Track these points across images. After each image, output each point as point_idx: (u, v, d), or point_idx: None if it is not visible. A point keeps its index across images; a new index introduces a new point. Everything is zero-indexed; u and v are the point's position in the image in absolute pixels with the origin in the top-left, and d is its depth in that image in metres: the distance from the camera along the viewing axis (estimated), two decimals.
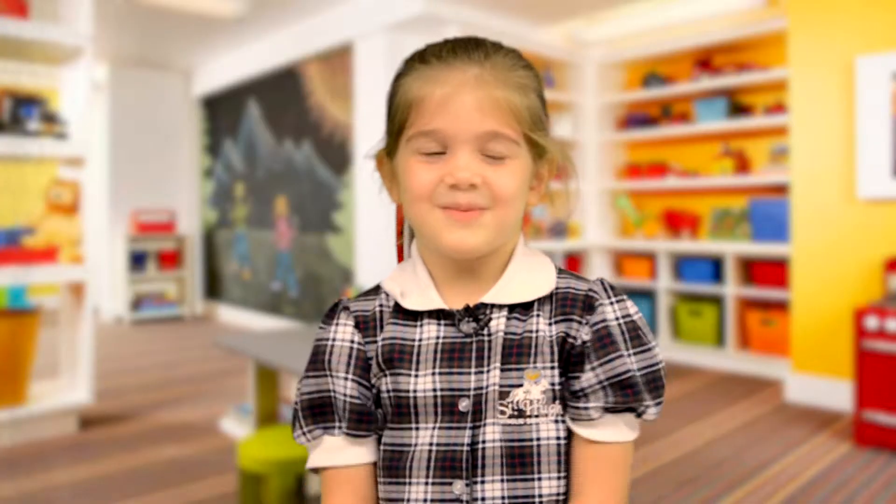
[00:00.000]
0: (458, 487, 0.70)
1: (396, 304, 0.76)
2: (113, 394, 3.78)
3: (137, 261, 6.39)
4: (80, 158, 3.17)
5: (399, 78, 0.75)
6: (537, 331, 0.73)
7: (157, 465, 2.73)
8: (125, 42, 5.73)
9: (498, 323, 0.73)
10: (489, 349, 0.72)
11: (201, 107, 7.00)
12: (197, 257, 6.98)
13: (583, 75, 5.00)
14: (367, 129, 4.60)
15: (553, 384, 0.72)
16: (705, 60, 4.53)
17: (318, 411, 0.74)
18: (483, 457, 0.70)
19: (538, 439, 0.71)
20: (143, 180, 6.65)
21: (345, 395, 0.73)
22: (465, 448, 0.70)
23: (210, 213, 6.91)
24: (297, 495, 2.07)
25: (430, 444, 0.71)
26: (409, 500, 0.71)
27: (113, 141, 6.45)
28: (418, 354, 0.73)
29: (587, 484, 0.71)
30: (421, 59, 0.73)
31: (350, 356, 0.75)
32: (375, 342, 0.76)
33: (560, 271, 0.78)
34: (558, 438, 0.72)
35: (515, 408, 0.71)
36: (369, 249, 4.61)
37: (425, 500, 0.70)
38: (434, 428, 0.72)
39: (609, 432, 0.71)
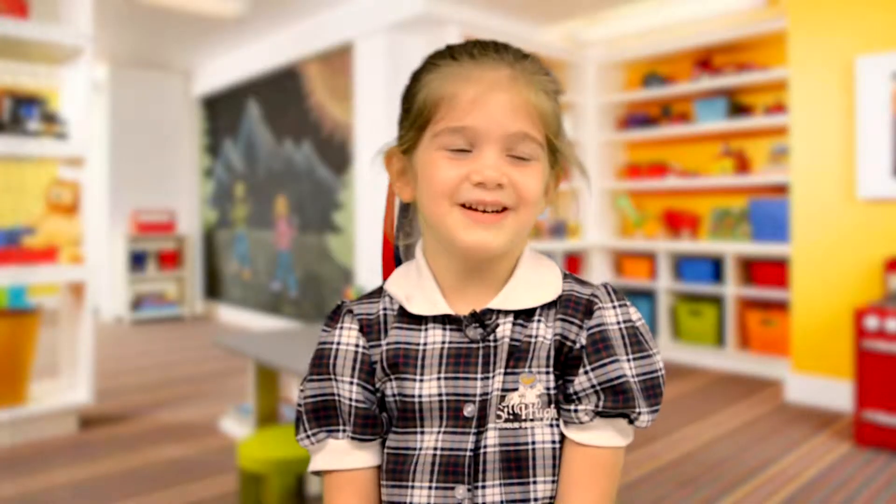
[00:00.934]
0: (461, 492, 0.70)
1: (401, 308, 0.76)
2: (113, 394, 3.78)
3: (137, 261, 6.39)
4: (80, 158, 3.17)
5: (423, 74, 0.74)
6: (536, 335, 0.73)
7: (157, 465, 2.73)
8: (125, 42, 5.73)
9: (504, 329, 0.73)
10: (495, 355, 0.72)
11: (201, 107, 7.00)
12: (197, 257, 6.98)
13: (583, 75, 5.01)
14: (367, 129, 4.59)
15: (549, 388, 0.72)
16: (705, 60, 4.53)
17: (322, 414, 0.74)
18: (484, 461, 0.70)
19: (533, 443, 0.71)
20: (143, 180, 6.65)
21: (350, 399, 0.73)
22: (469, 453, 0.71)
23: (210, 213, 6.91)
24: (297, 495, 2.07)
25: (435, 449, 0.71)
26: None
27: (113, 141, 6.45)
28: (423, 359, 0.73)
29: (574, 487, 0.70)
30: (450, 56, 0.73)
31: (355, 360, 0.75)
32: (380, 346, 0.75)
33: (565, 276, 0.78)
34: (553, 442, 0.72)
35: (511, 412, 0.71)
36: (369, 249, 4.61)
37: None
38: (439, 432, 0.72)
39: (599, 436, 0.71)
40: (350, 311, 0.78)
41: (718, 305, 4.32)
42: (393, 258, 0.86)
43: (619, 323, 0.73)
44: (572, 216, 0.82)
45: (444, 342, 0.73)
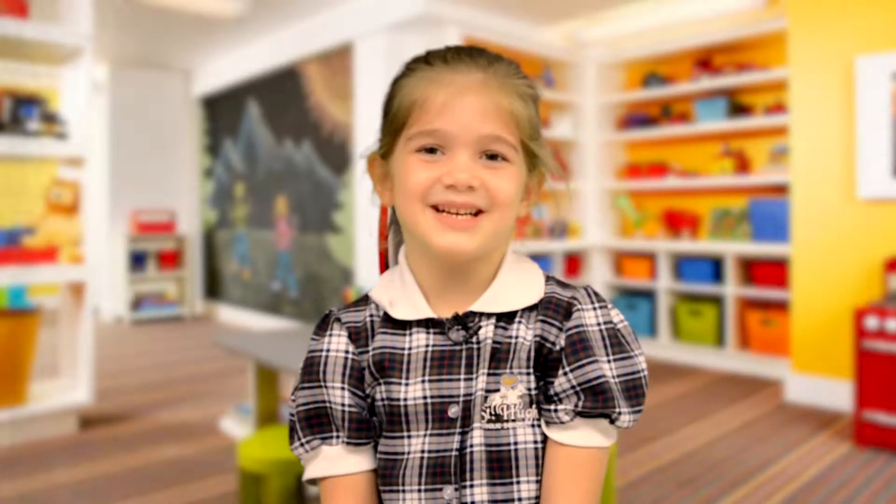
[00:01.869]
0: (448, 492, 0.71)
1: (386, 314, 0.76)
2: (113, 394, 3.78)
3: (137, 261, 6.39)
4: (80, 158, 3.17)
5: (399, 79, 0.75)
6: (517, 337, 0.73)
7: (157, 465, 2.73)
8: (125, 42, 5.73)
9: (486, 331, 0.73)
10: (478, 356, 0.73)
11: (201, 107, 7.00)
12: (197, 257, 6.98)
13: (583, 75, 5.00)
14: (367, 129, 4.60)
15: (530, 389, 0.72)
16: (705, 60, 4.53)
17: (314, 422, 0.75)
18: (471, 461, 0.71)
19: (516, 443, 0.72)
20: (143, 180, 6.65)
21: (343, 404, 0.74)
22: (454, 453, 0.71)
23: (210, 213, 6.91)
24: (297, 495, 2.07)
25: (422, 452, 0.72)
26: None
27: (113, 141, 6.45)
28: (408, 363, 0.74)
29: (557, 487, 0.71)
30: (424, 61, 0.74)
31: (345, 366, 0.75)
32: (367, 352, 0.76)
33: (548, 278, 0.78)
34: (535, 443, 0.72)
35: (493, 413, 0.72)
36: (369, 249, 4.61)
37: None
38: (425, 435, 0.72)
39: (580, 436, 0.71)
40: (338, 320, 0.78)
41: (718, 305, 4.32)
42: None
43: (599, 324, 0.73)
44: (555, 216, 0.82)
45: (427, 345, 0.74)
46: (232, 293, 6.54)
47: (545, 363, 0.73)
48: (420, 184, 0.70)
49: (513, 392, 0.72)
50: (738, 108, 4.42)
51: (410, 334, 0.75)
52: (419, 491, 0.72)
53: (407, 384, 0.73)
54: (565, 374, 0.71)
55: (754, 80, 4.14)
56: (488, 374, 0.72)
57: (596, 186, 4.97)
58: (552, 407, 0.72)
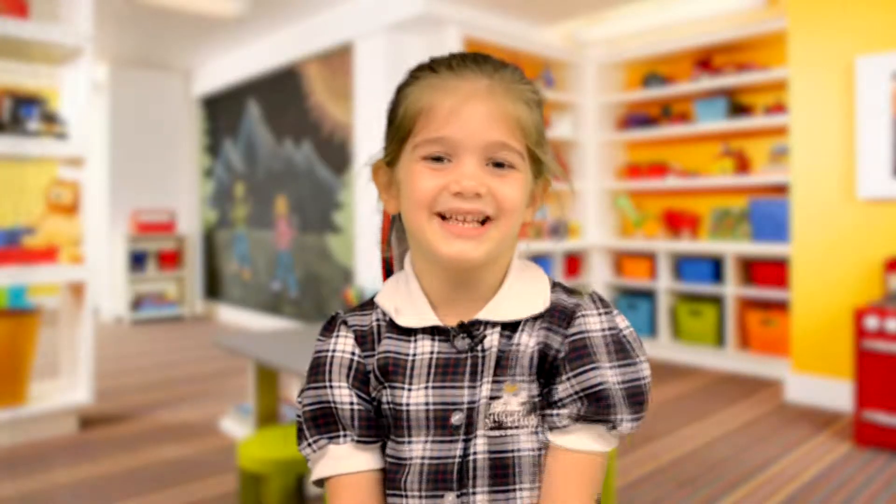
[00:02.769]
0: (450, 500, 0.71)
1: (392, 319, 0.76)
2: (113, 394, 3.78)
3: (137, 261, 6.39)
4: (80, 158, 3.17)
5: (404, 87, 0.75)
6: (519, 343, 0.73)
7: (157, 465, 2.73)
8: (125, 42, 5.73)
9: (492, 339, 0.73)
10: (483, 364, 0.73)
11: (201, 107, 7.00)
12: (197, 257, 6.98)
13: (583, 75, 5.00)
14: (367, 130, 4.60)
15: (532, 396, 0.72)
16: (705, 60, 4.53)
17: (321, 422, 0.75)
18: (474, 468, 0.71)
19: (518, 450, 0.72)
20: (143, 180, 6.65)
21: (351, 403, 0.74)
22: (457, 460, 0.71)
23: (210, 213, 6.91)
24: (297, 495, 2.07)
25: (423, 458, 0.72)
26: None
27: (113, 141, 6.45)
28: (412, 369, 0.74)
29: (554, 490, 0.71)
30: (429, 68, 0.73)
31: (350, 367, 0.76)
32: (373, 356, 0.76)
33: (554, 285, 0.78)
34: (536, 450, 0.72)
35: (495, 419, 0.72)
36: (369, 249, 4.61)
37: None
38: (426, 441, 0.72)
39: (579, 440, 0.71)
40: (345, 322, 0.78)
41: (718, 305, 4.32)
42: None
43: (603, 330, 0.73)
44: (559, 216, 0.82)
45: (432, 352, 0.74)
46: (232, 293, 6.54)
47: (549, 370, 0.73)
48: (427, 191, 0.70)
49: (515, 399, 0.72)
50: (738, 108, 4.42)
51: (416, 340, 0.75)
52: (419, 497, 0.72)
53: (410, 389, 0.73)
54: (567, 380, 0.71)
55: (754, 80, 4.14)
56: (493, 382, 0.72)
57: (596, 186, 4.97)
58: (553, 411, 0.72)
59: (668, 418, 3.24)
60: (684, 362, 4.41)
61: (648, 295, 4.80)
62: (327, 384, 0.75)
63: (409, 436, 0.73)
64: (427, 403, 0.72)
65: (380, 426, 0.75)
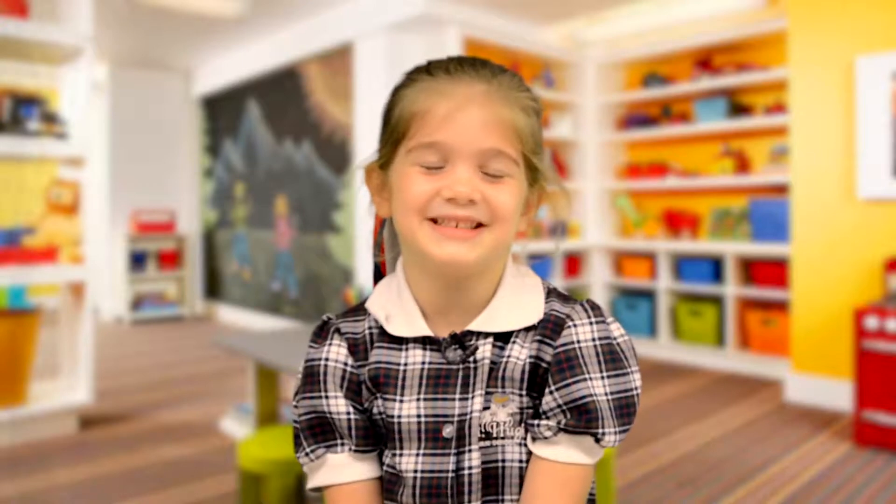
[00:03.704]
0: None
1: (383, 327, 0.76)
2: (113, 394, 3.78)
3: (137, 261, 6.39)
4: (80, 158, 3.17)
5: (400, 89, 0.74)
6: (509, 355, 0.72)
7: (157, 465, 2.73)
8: (125, 42, 5.73)
9: (484, 350, 0.72)
10: (474, 376, 0.72)
11: (201, 107, 7.00)
12: (197, 257, 6.98)
13: (583, 75, 5.00)
14: (367, 130, 4.60)
15: (521, 408, 0.72)
16: (705, 60, 4.53)
17: (318, 431, 0.74)
18: (470, 482, 0.70)
19: (503, 461, 0.71)
20: (143, 180, 6.65)
21: (347, 412, 0.73)
22: (451, 474, 0.70)
23: (210, 213, 6.91)
24: (297, 495, 2.07)
25: (415, 472, 0.71)
26: None
27: (113, 141, 6.45)
28: (404, 380, 0.73)
29: (534, 501, 0.70)
30: (426, 71, 0.72)
31: (343, 378, 0.75)
32: (365, 366, 0.75)
33: (549, 292, 0.77)
34: (521, 461, 0.72)
35: (483, 430, 0.71)
36: (369, 250, 4.61)
37: None
38: (418, 454, 0.72)
39: (562, 452, 0.70)
40: (338, 330, 0.77)
41: (718, 305, 4.32)
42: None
43: (594, 339, 0.71)
44: (562, 215, 0.81)
45: (423, 363, 0.73)
46: (232, 293, 6.54)
47: (541, 383, 0.72)
48: (419, 196, 0.69)
49: (503, 410, 0.71)
50: (738, 108, 4.42)
51: (407, 350, 0.74)
52: None
53: (402, 401, 0.72)
54: (551, 392, 0.70)
55: (754, 80, 4.14)
56: (485, 394, 0.71)
57: (596, 186, 4.97)
58: (536, 422, 0.71)
59: (668, 418, 3.24)
60: (684, 362, 4.41)
61: (648, 295, 4.80)
62: (323, 394, 0.74)
63: (401, 448, 0.72)
64: (419, 416, 0.71)
65: (376, 435, 0.74)
